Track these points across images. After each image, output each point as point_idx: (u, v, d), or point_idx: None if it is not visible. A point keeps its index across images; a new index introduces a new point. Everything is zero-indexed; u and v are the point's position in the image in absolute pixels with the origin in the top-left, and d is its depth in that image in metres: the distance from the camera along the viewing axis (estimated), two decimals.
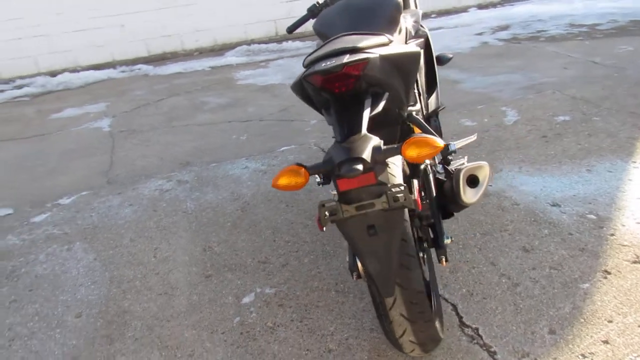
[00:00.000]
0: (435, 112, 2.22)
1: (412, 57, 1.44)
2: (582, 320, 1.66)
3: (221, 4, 6.96)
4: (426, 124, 1.69)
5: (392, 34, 1.89)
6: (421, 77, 2.09)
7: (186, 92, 5.22)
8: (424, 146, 1.14)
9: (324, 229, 1.18)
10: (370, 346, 1.65)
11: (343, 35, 1.42)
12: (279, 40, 7.24)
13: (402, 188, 1.15)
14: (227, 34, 7.17)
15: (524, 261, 2.00)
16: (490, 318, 1.72)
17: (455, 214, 1.70)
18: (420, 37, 2.19)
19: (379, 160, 1.14)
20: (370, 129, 1.61)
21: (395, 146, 1.15)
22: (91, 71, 6.38)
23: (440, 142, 1.15)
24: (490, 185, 2.55)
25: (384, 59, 1.28)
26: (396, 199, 1.15)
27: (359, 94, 1.29)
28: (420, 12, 2.42)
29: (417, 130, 1.73)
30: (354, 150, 1.13)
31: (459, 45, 5.81)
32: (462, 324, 1.71)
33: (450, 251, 2.10)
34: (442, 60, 2.58)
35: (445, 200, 1.57)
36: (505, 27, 6.46)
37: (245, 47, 6.99)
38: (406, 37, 2.05)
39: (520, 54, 5.12)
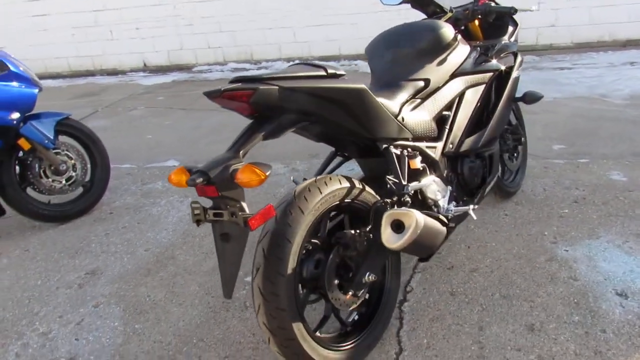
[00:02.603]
0: (477, 152, 2.04)
1: (345, 92, 1.46)
2: None
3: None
4: (396, 159, 1.66)
5: (426, 61, 1.87)
6: (457, 112, 1.96)
7: None
8: (250, 173, 1.23)
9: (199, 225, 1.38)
10: None
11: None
12: None
13: (237, 206, 1.27)
14: None
15: (516, 338, 1.74)
16: None
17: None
18: (482, 71, 2.04)
19: (225, 178, 1.28)
20: (362, 155, 1.68)
21: (230, 170, 1.26)
22: (316, 62, 7.25)
23: (264, 173, 1.22)
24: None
25: (292, 90, 1.36)
26: (234, 214, 1.28)
27: (268, 118, 1.41)
28: (511, 44, 2.22)
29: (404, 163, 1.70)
30: (209, 163, 1.30)
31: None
32: None
33: (451, 300, 1.96)
34: (529, 99, 2.31)
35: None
36: None
37: None
38: (457, 68, 1.97)
39: None
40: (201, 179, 1.26)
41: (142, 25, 8.18)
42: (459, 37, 2.09)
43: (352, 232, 1.57)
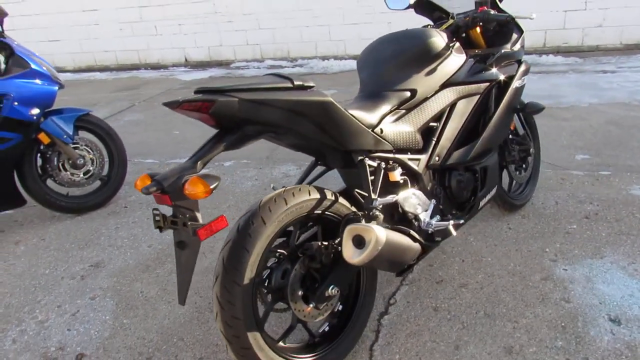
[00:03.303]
0: (466, 165, 1.97)
1: (307, 104, 1.44)
2: None
3: None
4: (371, 171, 1.63)
5: (413, 71, 1.83)
6: (446, 124, 1.90)
7: None
8: (196, 186, 1.25)
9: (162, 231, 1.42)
10: None
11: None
12: (546, 51, 6.59)
13: (188, 216, 1.30)
14: None
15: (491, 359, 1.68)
16: None
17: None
18: (476, 81, 1.98)
19: (177, 188, 1.30)
20: (342, 166, 1.67)
21: (182, 181, 1.28)
22: (350, 60, 7.22)
23: (210, 186, 1.24)
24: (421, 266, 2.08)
25: (252, 102, 1.36)
26: (185, 224, 1.30)
27: (232, 129, 1.42)
28: (514, 52, 2.13)
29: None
30: (166, 172, 1.32)
31: None
32: None
33: (433, 316, 1.91)
34: (529, 110, 2.21)
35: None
36: None
37: None
38: (448, 78, 1.92)
39: None
40: (154, 188, 1.29)
41: (185, 22, 8.41)
42: (457, 45, 2.03)
43: (319, 244, 1.56)
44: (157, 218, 1.37)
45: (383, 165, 1.70)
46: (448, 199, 1.97)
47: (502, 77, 2.07)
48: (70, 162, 2.98)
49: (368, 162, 1.66)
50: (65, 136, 2.89)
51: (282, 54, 8.08)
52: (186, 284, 1.38)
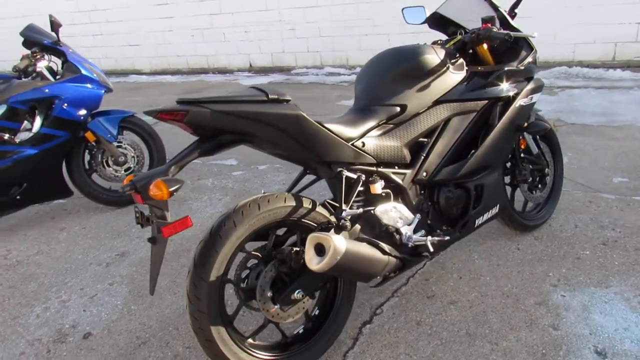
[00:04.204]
0: (456, 182, 1.96)
1: (276, 117, 1.52)
2: None
3: (552, 21, 6.47)
4: (347, 183, 1.69)
5: (405, 87, 1.88)
6: (437, 140, 1.91)
7: None
8: (157, 189, 1.37)
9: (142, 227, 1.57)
10: None
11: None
12: (615, 65, 6.22)
13: (157, 214, 1.42)
14: (553, 51, 6.64)
15: None
16: None
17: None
18: (474, 98, 1.97)
19: (145, 189, 1.42)
20: (328, 176, 1.75)
21: (151, 185, 1.40)
22: None
23: (169, 189, 1.35)
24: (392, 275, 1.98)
25: (224, 113, 1.47)
26: (153, 221, 1.44)
27: (209, 137, 1.54)
28: (521, 70, 2.10)
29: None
30: (143, 174, 1.45)
31: None
32: None
33: (414, 329, 1.93)
34: (532, 130, 2.16)
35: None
36: None
37: (565, 68, 6.35)
38: (442, 94, 1.94)
39: None
40: (128, 188, 1.44)
41: (251, 29, 8.77)
42: (459, 62, 2.03)
43: (290, 249, 1.64)
44: (137, 215, 1.52)
45: (363, 177, 1.75)
46: (437, 214, 1.98)
47: (503, 95, 2.04)
48: (112, 159, 3.26)
49: (347, 173, 1.71)
50: (109, 135, 3.17)
51: (340, 62, 8.20)
52: (155, 276, 1.52)
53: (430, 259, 1.95)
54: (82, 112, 3.05)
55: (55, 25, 2.97)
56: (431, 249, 1.83)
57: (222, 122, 1.50)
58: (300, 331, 1.81)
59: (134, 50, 10.14)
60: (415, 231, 1.87)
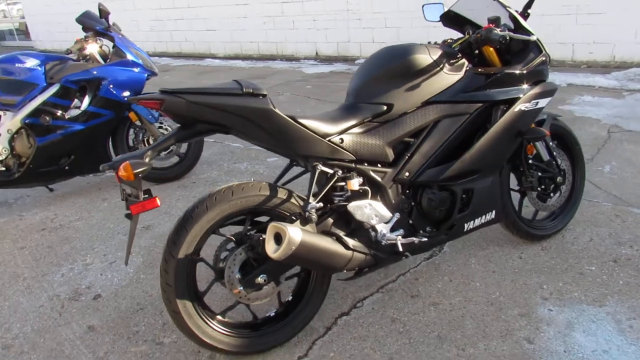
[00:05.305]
0: (439, 184, 1.94)
1: (244, 109, 1.60)
2: None
3: (632, 18, 5.97)
4: (315, 178, 1.74)
5: (393, 86, 1.90)
6: (423, 141, 1.90)
7: None
8: (124, 171, 1.50)
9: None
10: None
11: (233, 80, 1.72)
12: None
13: (130, 193, 1.57)
14: (632, 51, 6.13)
15: None
16: None
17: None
18: (467, 100, 1.94)
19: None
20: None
21: (120, 167, 1.54)
22: None
23: (133, 172, 1.48)
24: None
25: (196, 103, 1.57)
26: (126, 199, 1.59)
27: (188, 126, 1.66)
28: (525, 73, 2.03)
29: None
30: (123, 156, 1.60)
31: None
32: None
33: (387, 326, 1.95)
34: (529, 137, 2.08)
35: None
36: None
37: None
38: (433, 95, 1.93)
39: None
40: (107, 167, 1.60)
41: (319, 17, 8.86)
42: (459, 62, 2.00)
43: (260, 236, 1.74)
44: (121, 191, 1.69)
45: (340, 173, 1.80)
46: (420, 215, 1.97)
47: (498, 98, 1.98)
48: (153, 138, 3.52)
49: (322, 168, 1.77)
50: (150, 116, 3.41)
51: None
52: (129, 248, 1.68)
53: (406, 258, 1.94)
54: (126, 93, 3.32)
55: (103, 13, 3.25)
56: (400, 249, 1.84)
57: (195, 112, 1.61)
58: (272, 314, 1.91)
59: (211, 35, 10.60)
60: (392, 230, 1.89)
